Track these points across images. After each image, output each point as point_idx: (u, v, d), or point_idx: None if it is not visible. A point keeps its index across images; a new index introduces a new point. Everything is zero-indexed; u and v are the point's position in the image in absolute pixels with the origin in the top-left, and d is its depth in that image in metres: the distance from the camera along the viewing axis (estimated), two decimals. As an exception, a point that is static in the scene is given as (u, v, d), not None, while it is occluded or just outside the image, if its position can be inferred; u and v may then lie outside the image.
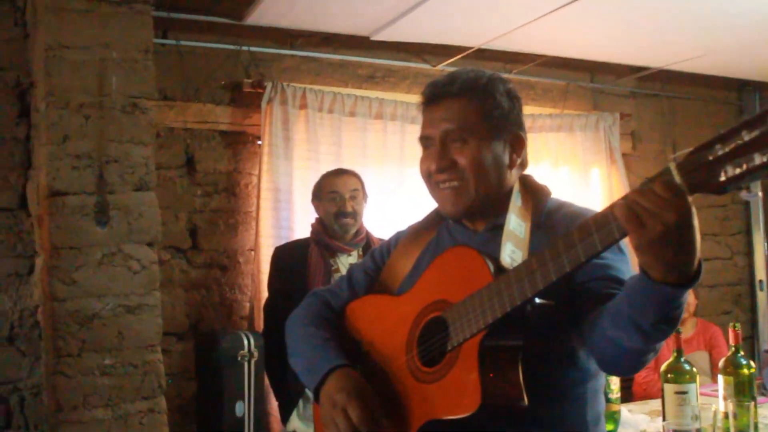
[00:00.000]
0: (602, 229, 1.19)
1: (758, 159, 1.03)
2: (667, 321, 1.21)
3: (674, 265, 1.13)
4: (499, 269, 1.39)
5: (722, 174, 1.06)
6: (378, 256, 1.81)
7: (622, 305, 1.26)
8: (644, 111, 5.23)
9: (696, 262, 1.15)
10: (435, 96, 1.59)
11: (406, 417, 1.48)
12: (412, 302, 1.56)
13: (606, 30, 4.03)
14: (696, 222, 1.12)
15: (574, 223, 1.44)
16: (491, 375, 1.34)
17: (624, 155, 4.98)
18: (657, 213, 1.09)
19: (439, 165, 1.56)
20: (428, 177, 1.61)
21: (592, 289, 1.41)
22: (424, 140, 1.62)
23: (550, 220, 1.57)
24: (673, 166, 1.12)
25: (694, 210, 1.10)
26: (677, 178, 1.11)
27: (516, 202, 1.55)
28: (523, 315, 1.33)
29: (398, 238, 1.80)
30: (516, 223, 1.51)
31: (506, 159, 1.59)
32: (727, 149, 1.06)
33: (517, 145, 1.61)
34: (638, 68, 4.87)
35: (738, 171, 1.05)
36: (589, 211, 1.55)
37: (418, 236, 1.75)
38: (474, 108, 1.56)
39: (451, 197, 1.58)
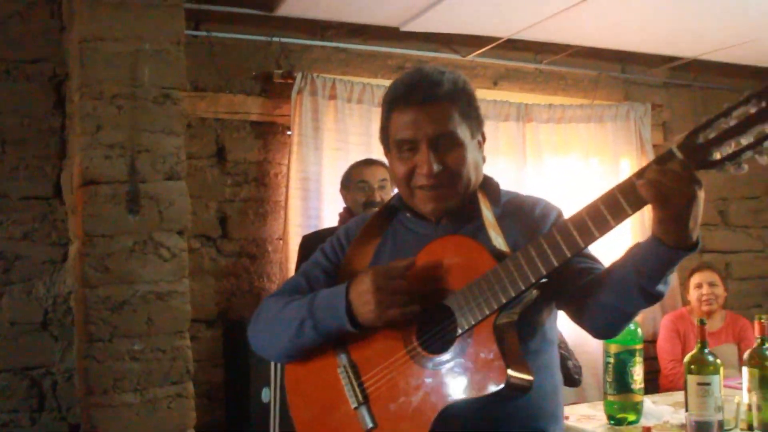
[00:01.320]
0: (613, 207, 1.33)
1: (744, 140, 1.22)
2: (666, 282, 1.40)
3: (689, 231, 1.31)
4: (499, 254, 1.47)
5: (716, 153, 1.24)
6: (331, 253, 1.78)
7: (628, 275, 1.40)
8: (676, 101, 5.18)
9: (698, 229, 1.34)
10: (418, 99, 1.57)
11: (418, 406, 1.48)
12: None
13: (637, 19, 3.99)
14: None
15: (535, 208, 1.65)
16: (504, 351, 1.41)
17: (655, 146, 4.93)
18: (679, 189, 1.26)
19: (430, 170, 1.56)
20: (408, 180, 1.61)
21: (569, 264, 1.50)
22: (405, 143, 1.59)
23: (509, 207, 1.66)
24: (675, 148, 1.28)
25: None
26: (681, 157, 1.27)
27: (480, 197, 1.63)
28: (523, 293, 1.43)
29: (348, 233, 1.79)
30: (488, 214, 1.59)
31: (480, 158, 1.66)
32: (716, 132, 1.23)
33: (484, 141, 1.69)
34: (670, 58, 4.82)
35: (729, 151, 1.23)
36: (539, 198, 1.70)
37: (370, 231, 1.75)
38: (457, 111, 1.58)
39: (438, 199, 1.60)
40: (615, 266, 1.46)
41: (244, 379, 3.53)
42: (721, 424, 2.15)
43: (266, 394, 3.48)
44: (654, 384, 4.06)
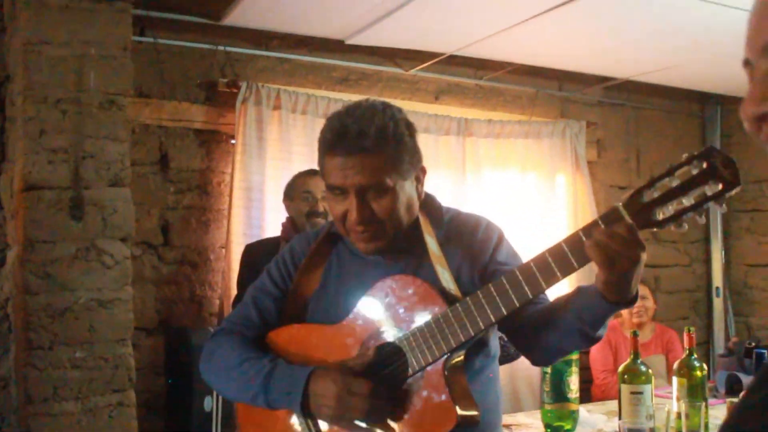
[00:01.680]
0: (561, 262, 1.38)
1: (686, 201, 1.28)
2: (605, 326, 1.51)
3: (630, 289, 1.39)
4: (449, 297, 1.52)
5: (659, 213, 1.31)
6: (279, 279, 1.80)
7: (570, 320, 1.50)
8: (610, 120, 5.36)
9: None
10: (345, 149, 1.57)
11: None
12: (352, 331, 1.61)
13: (575, 41, 4.14)
14: None
15: (477, 230, 1.68)
16: (454, 393, 1.47)
17: (589, 163, 5.09)
18: (626, 253, 1.31)
19: (359, 218, 1.58)
20: (342, 221, 1.63)
21: None
22: (336, 188, 1.60)
23: (452, 229, 1.71)
24: (621, 207, 1.32)
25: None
26: (628, 219, 1.31)
27: (423, 222, 1.67)
28: (472, 338, 1.50)
29: (293, 256, 1.81)
30: (431, 243, 1.64)
31: (415, 193, 1.67)
32: (660, 192, 1.28)
33: (423, 175, 1.70)
34: (605, 78, 4.98)
35: (672, 211, 1.30)
36: (480, 218, 1.74)
37: (316, 256, 1.77)
38: (387, 160, 1.58)
39: (369, 240, 1.63)
40: (558, 308, 1.54)
41: (186, 387, 3.51)
42: (652, 431, 2.25)
43: (208, 403, 3.48)
44: (587, 394, 4.18)
